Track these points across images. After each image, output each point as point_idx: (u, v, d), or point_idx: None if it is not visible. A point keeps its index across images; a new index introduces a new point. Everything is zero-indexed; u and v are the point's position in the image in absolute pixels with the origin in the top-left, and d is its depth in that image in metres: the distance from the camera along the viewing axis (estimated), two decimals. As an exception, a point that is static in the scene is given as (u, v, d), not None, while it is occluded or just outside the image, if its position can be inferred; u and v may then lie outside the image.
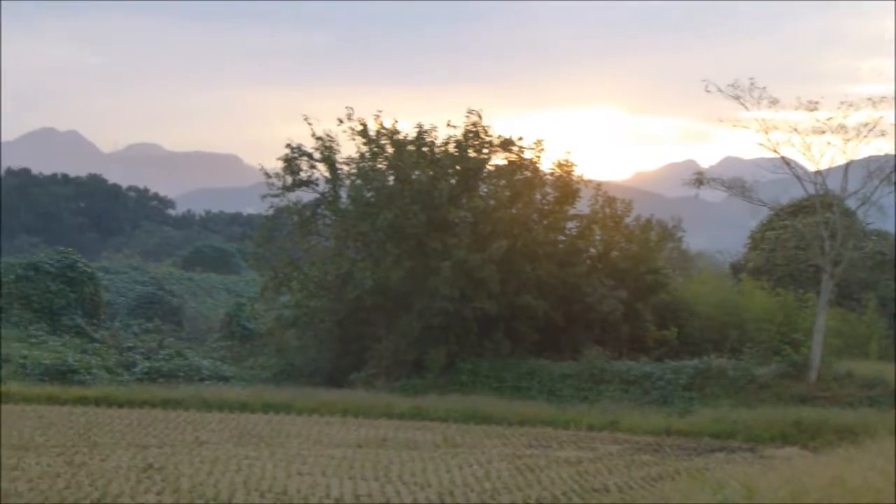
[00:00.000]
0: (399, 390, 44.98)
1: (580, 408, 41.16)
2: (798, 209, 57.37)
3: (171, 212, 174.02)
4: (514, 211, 50.75)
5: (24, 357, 46.12)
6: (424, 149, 50.63)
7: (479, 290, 47.89)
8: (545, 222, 52.24)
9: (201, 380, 47.80)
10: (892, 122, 44.65)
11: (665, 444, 34.98)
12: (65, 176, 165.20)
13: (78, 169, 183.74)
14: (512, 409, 40.19)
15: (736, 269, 67.03)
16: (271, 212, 53.04)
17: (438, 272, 47.22)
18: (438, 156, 50.41)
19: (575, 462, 30.04)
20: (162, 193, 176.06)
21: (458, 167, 50.47)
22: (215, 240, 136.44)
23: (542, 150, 52.17)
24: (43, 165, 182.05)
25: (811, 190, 47.21)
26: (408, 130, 51.29)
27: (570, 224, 53.46)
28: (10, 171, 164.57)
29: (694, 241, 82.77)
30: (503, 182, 51.10)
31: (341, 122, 51.44)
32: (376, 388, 45.85)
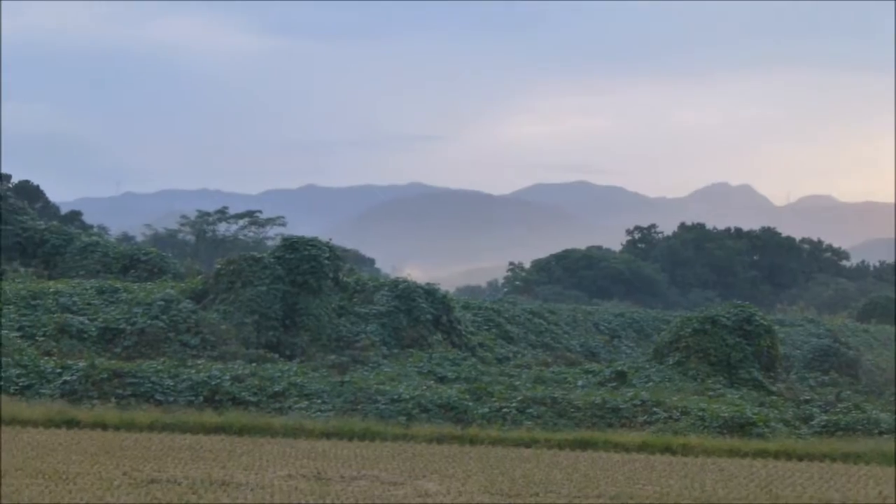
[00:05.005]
0: None
1: None
2: None
3: (845, 263, 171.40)
4: None
5: (703, 410, 46.66)
6: None
7: None
8: None
9: (880, 433, 46.25)
10: None
11: None
12: (738, 230, 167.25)
13: (751, 222, 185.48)
14: None
15: None
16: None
17: None
18: None
19: None
20: (835, 245, 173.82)
21: None
22: (891, 291, 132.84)
23: None
24: (716, 220, 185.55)
25: None
26: None
27: None
28: (683, 226, 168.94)
29: None
30: None
31: None
32: None
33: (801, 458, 38.39)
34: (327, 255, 62.98)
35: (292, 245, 62.80)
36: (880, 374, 68.58)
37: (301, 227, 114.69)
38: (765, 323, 60.94)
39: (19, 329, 53.27)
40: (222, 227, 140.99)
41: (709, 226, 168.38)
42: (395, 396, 45.03)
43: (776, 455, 38.85)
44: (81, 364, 45.97)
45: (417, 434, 39.79)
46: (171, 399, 44.04)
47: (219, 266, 63.15)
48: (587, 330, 77.44)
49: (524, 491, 28.65)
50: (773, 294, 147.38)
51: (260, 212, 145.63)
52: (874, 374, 68.54)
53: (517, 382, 51.46)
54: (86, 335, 54.22)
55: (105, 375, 44.85)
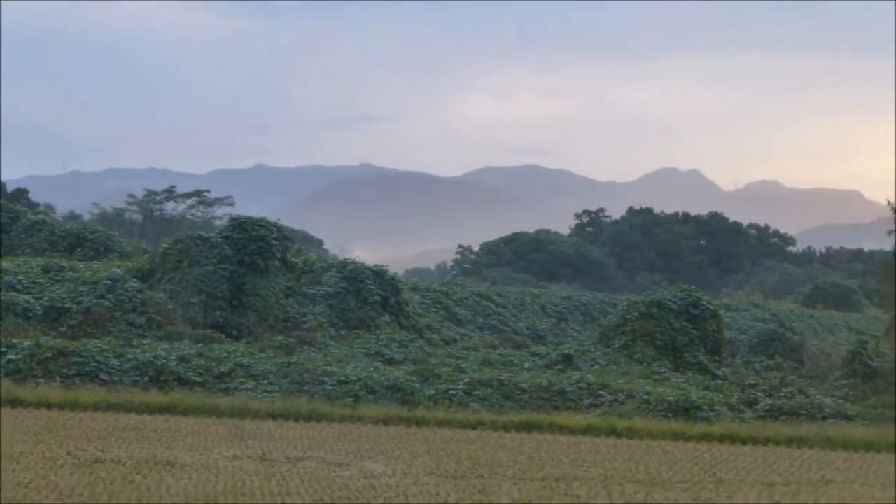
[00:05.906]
0: None
1: None
2: None
3: (792, 249, 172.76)
4: None
5: (648, 393, 46.97)
6: None
7: None
8: None
9: (823, 418, 46.75)
10: None
11: None
12: (686, 215, 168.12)
13: (699, 207, 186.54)
14: None
15: None
16: (896, 247, 51.39)
17: None
18: None
19: None
20: (782, 231, 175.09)
21: None
22: (836, 276, 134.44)
23: None
24: (664, 205, 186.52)
25: None
26: None
27: None
28: (632, 211, 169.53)
29: None
30: None
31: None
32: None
33: (745, 442, 38.75)
34: (275, 235, 62.81)
35: (240, 225, 62.60)
36: (825, 359, 69.05)
37: (250, 207, 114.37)
38: (711, 307, 61.33)
39: (-37, 307, 52.85)
40: (170, 207, 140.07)
41: (657, 210, 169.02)
42: (342, 378, 45.03)
43: (720, 438, 39.17)
44: (26, 343, 45.70)
45: (364, 415, 39.86)
46: (117, 379, 43.87)
47: (166, 245, 62.85)
48: (534, 313, 77.64)
49: (469, 472, 28.75)
50: (719, 279, 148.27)
51: (208, 191, 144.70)
52: (818, 360, 69.02)
53: (464, 364, 51.59)
54: (31, 314, 53.84)
55: (50, 354, 44.60)
